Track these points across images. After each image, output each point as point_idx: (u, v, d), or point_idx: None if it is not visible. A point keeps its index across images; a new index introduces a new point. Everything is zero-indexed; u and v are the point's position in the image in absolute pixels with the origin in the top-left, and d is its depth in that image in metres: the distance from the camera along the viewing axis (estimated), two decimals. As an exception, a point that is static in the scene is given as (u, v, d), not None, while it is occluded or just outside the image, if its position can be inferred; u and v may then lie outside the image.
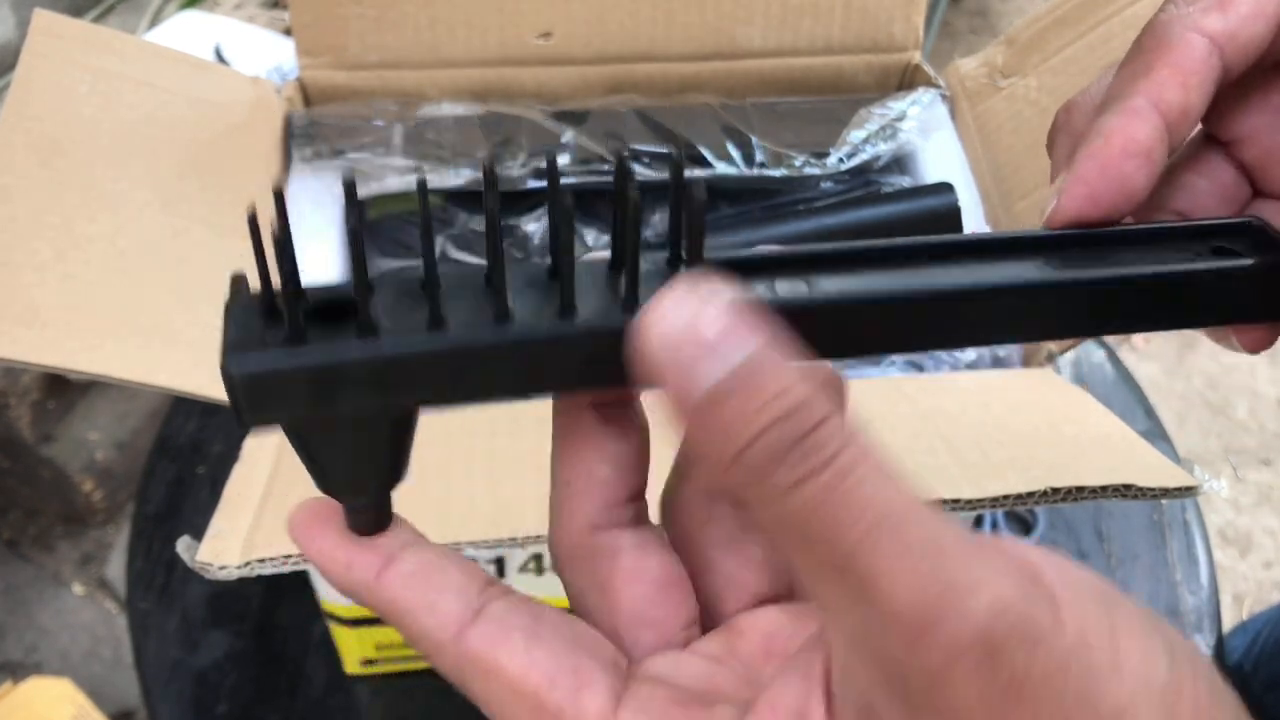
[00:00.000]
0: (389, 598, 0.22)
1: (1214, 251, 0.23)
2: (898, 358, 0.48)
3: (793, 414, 0.16)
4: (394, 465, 0.22)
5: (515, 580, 0.48)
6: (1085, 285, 0.22)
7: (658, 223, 0.52)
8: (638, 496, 0.23)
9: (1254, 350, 0.26)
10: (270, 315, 0.19)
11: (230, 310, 0.19)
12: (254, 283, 0.20)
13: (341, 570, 0.22)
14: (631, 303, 0.19)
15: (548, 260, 0.21)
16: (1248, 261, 0.23)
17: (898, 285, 0.21)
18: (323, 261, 0.49)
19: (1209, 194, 0.28)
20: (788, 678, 0.19)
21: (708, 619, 0.23)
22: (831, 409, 0.17)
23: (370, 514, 0.22)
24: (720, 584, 0.23)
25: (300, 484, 0.39)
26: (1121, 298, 0.23)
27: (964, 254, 0.22)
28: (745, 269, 0.21)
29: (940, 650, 0.16)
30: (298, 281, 0.19)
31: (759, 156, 0.52)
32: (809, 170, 0.52)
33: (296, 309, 0.18)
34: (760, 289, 0.21)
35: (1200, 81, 0.24)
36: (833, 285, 0.21)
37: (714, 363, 0.17)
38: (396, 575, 0.22)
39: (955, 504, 0.36)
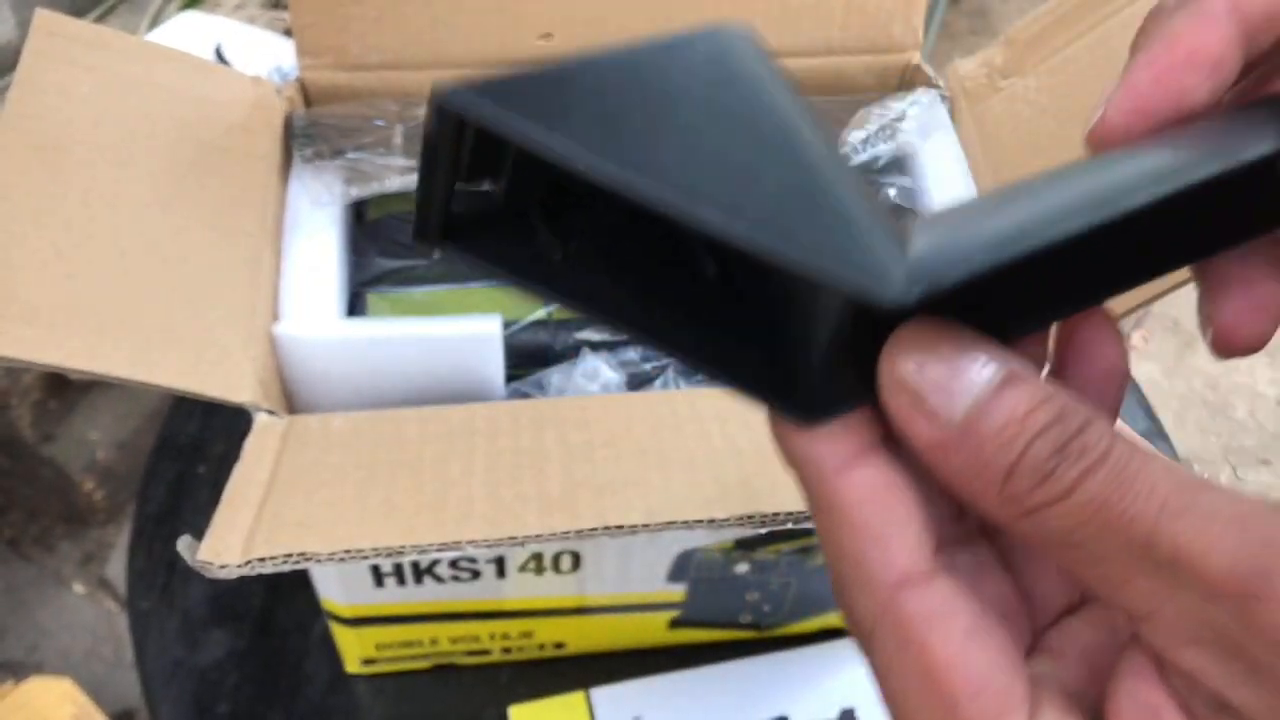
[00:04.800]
0: (841, 499, 0.18)
1: None
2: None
3: (1059, 419, 0.16)
4: None
5: (515, 580, 0.48)
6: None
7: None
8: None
9: (1233, 350, 0.23)
10: None
11: None
12: None
13: (804, 439, 0.19)
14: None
15: None
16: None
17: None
18: (322, 259, 0.49)
19: None
20: (1121, 690, 0.18)
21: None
22: (1089, 409, 0.17)
23: None
24: (1029, 598, 0.21)
25: (301, 483, 0.39)
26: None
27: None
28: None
29: (1276, 608, 0.15)
30: None
31: (759, 156, 0.52)
32: (809, 170, 0.53)
33: None
34: None
35: None
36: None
37: (975, 375, 0.17)
38: (859, 483, 0.18)
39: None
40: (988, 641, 0.18)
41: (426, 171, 0.18)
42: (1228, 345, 0.22)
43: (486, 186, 0.19)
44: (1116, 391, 0.22)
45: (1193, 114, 0.21)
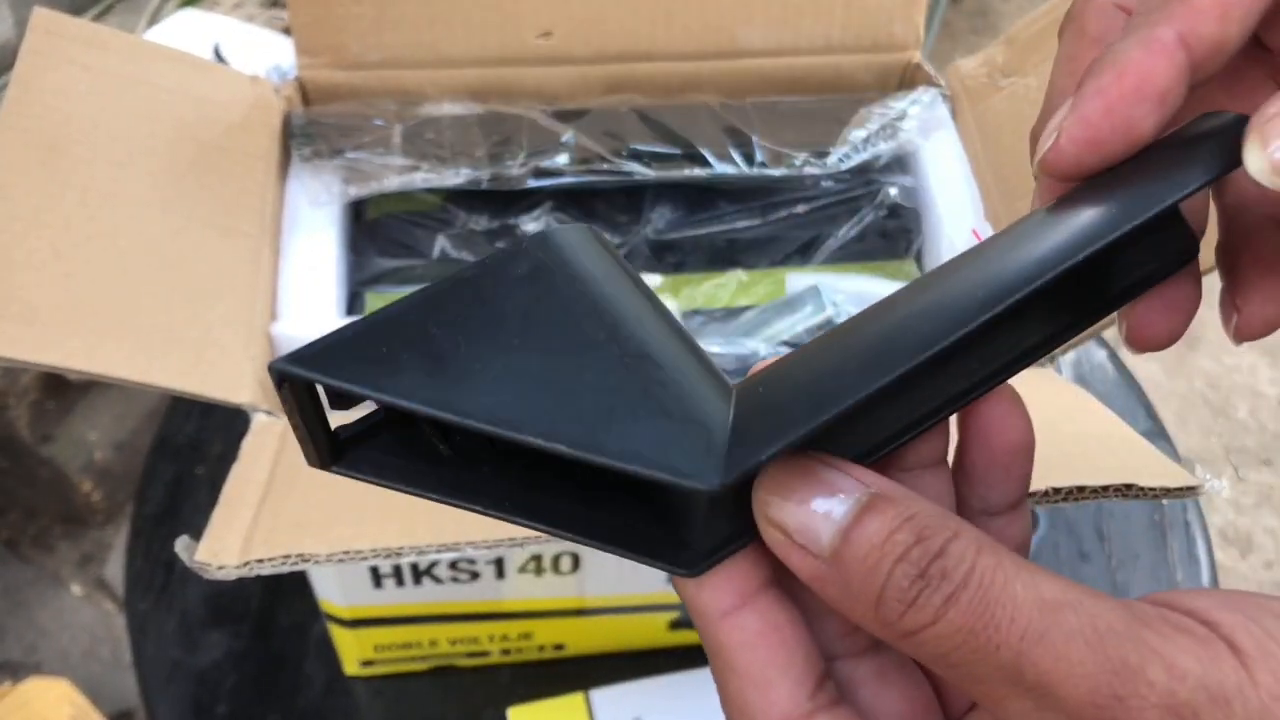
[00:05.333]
0: (725, 644, 0.19)
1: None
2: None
3: (917, 542, 0.16)
4: None
5: (515, 581, 0.48)
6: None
7: (656, 218, 0.52)
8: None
9: (1143, 346, 0.23)
10: None
11: None
12: None
13: (691, 587, 0.20)
14: None
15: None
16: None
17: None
18: (321, 258, 0.49)
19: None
20: None
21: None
22: (954, 524, 0.17)
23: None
24: (940, 686, 0.22)
25: (299, 484, 0.39)
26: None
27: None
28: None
29: None
30: None
31: (759, 156, 0.52)
32: (809, 169, 0.52)
33: None
34: None
35: (1245, 13, 0.20)
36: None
37: (836, 506, 0.17)
38: (742, 628, 0.19)
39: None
40: None
41: (294, 420, 0.19)
42: (1140, 341, 0.23)
43: (365, 411, 0.20)
44: (1022, 466, 0.22)
45: (1140, 145, 0.21)
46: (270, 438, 0.41)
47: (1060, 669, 0.15)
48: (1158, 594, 0.17)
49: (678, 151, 0.52)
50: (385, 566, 0.46)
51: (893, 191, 0.53)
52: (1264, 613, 0.16)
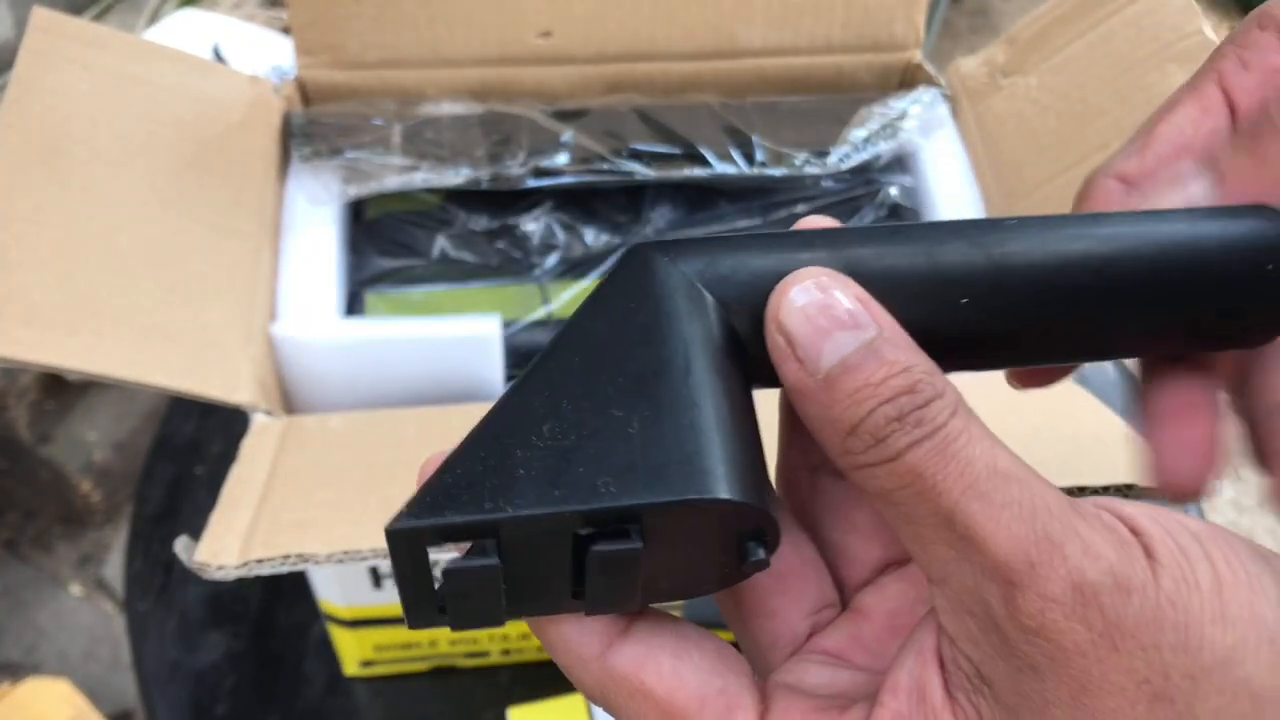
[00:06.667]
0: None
1: None
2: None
3: (909, 390, 0.18)
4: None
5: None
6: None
7: (656, 218, 0.52)
8: None
9: (1027, 386, 0.25)
10: None
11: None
12: None
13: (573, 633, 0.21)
14: None
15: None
16: None
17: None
18: (320, 258, 0.49)
19: None
20: (904, 657, 0.19)
21: (838, 594, 0.23)
22: (942, 384, 0.18)
23: None
24: (836, 557, 0.23)
25: (299, 484, 0.39)
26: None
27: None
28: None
29: (1034, 598, 0.17)
30: None
31: (759, 156, 0.52)
32: (810, 169, 0.52)
33: None
34: None
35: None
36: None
37: (846, 337, 0.18)
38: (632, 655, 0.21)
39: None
40: (695, 660, 0.20)
41: (406, 587, 0.20)
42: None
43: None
44: None
45: None
46: (270, 438, 0.41)
47: (988, 527, 0.17)
48: (1101, 498, 0.18)
49: (678, 151, 0.52)
50: (385, 567, 0.46)
51: (893, 191, 0.53)
52: (1184, 530, 0.17)
